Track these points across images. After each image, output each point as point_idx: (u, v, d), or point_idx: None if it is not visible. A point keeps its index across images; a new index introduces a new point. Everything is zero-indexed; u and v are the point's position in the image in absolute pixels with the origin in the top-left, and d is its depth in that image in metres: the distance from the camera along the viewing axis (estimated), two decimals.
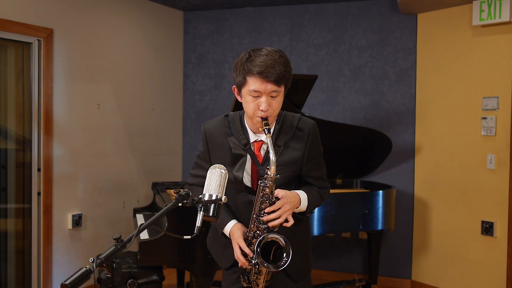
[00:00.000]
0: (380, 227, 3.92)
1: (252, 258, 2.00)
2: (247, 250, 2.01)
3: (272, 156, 1.91)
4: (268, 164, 1.94)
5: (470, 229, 4.21)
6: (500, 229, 4.01)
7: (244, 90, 1.99)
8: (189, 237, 1.68)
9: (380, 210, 3.90)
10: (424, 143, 4.55)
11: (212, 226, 2.27)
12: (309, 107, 4.81)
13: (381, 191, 3.93)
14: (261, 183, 1.97)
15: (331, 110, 4.85)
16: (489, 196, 4.07)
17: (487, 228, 4.07)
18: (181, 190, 1.72)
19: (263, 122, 1.95)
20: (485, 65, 4.09)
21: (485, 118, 4.06)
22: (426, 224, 4.54)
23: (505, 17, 3.83)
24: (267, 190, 1.96)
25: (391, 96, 4.68)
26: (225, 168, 1.81)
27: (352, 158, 4.40)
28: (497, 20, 3.87)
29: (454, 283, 4.34)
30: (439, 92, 4.42)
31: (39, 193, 3.96)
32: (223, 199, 1.75)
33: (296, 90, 3.69)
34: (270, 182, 1.95)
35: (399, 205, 4.56)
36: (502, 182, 3.98)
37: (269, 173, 1.93)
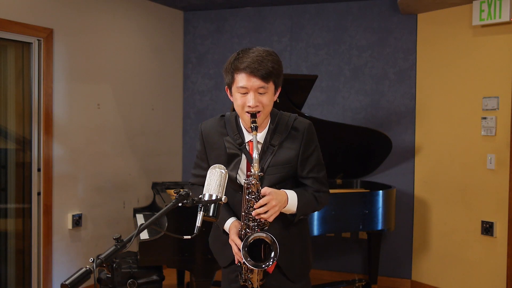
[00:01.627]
0: (380, 227, 3.92)
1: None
2: (239, 245, 2.02)
3: (255, 153, 1.92)
4: (261, 163, 1.95)
5: (470, 229, 4.21)
6: (500, 229, 4.01)
7: (233, 88, 2.00)
8: (189, 237, 1.68)
9: (380, 210, 3.90)
10: (424, 143, 4.55)
11: (215, 224, 2.28)
12: (309, 107, 4.81)
13: (381, 191, 3.93)
14: (245, 180, 1.97)
15: (331, 110, 4.85)
16: (489, 196, 4.07)
17: (487, 228, 4.07)
18: (181, 190, 1.72)
19: (251, 119, 1.95)
20: (485, 65, 4.09)
21: (485, 118, 4.06)
22: (426, 224, 4.54)
23: (505, 17, 3.83)
24: (253, 187, 1.96)
25: (391, 96, 4.68)
26: (225, 168, 1.82)
27: (352, 158, 4.40)
28: (497, 20, 3.87)
29: (454, 283, 4.34)
30: (439, 92, 4.42)
31: (39, 193, 3.96)
32: (223, 199, 1.75)
33: (296, 90, 3.71)
34: (254, 180, 1.95)
35: (399, 205, 4.56)
36: (502, 182, 3.98)
37: (252, 170, 1.94)
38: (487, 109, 4.06)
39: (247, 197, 1.99)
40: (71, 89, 4.17)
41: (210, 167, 1.83)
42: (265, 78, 1.94)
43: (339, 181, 4.50)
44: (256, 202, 1.96)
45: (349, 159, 4.39)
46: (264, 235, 1.94)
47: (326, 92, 4.86)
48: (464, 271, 4.26)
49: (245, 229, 2.01)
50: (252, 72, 1.93)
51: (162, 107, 5.12)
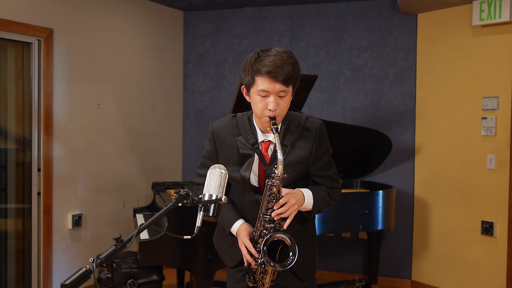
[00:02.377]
0: (380, 227, 3.92)
1: (258, 257, 2.01)
2: (253, 250, 2.02)
3: (279, 155, 1.92)
4: (276, 163, 1.96)
5: (470, 229, 4.21)
6: (500, 229, 4.01)
7: (253, 90, 2.00)
8: (189, 237, 1.68)
9: (380, 210, 3.90)
10: (424, 143, 4.55)
11: (219, 225, 2.28)
12: (309, 107, 4.81)
13: (381, 191, 3.93)
14: (268, 182, 1.98)
15: (331, 110, 4.85)
16: (489, 196, 4.07)
17: (487, 228, 4.07)
18: (181, 190, 1.72)
19: (271, 121, 1.96)
20: (485, 65, 4.09)
21: (485, 118, 4.06)
22: (426, 224, 4.54)
23: (505, 17, 3.83)
24: (274, 189, 1.97)
25: (391, 96, 4.68)
26: (225, 168, 1.82)
27: (352, 158, 4.40)
28: (497, 20, 3.87)
29: (454, 283, 4.34)
30: (439, 92, 4.42)
31: (39, 193, 3.96)
32: (223, 199, 1.75)
33: (296, 90, 3.70)
34: (277, 181, 1.96)
35: (399, 205, 4.56)
36: (502, 182, 3.98)
37: (276, 172, 1.94)
38: (487, 109, 4.06)
39: (267, 198, 1.99)
40: (71, 89, 4.17)
41: (210, 167, 1.82)
42: (286, 82, 1.96)
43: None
44: (276, 203, 1.98)
45: (349, 159, 4.39)
46: (283, 235, 1.95)
47: (326, 92, 4.86)
48: (464, 271, 4.26)
49: (261, 231, 2.02)
50: (275, 76, 1.93)
51: (162, 107, 5.12)
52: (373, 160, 4.43)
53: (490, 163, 4.05)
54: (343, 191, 4.04)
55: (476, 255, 4.17)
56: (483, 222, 4.11)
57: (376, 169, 4.55)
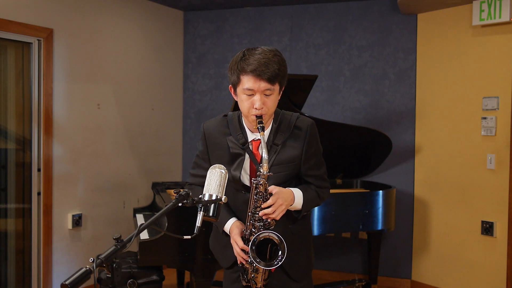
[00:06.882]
0: (380, 227, 3.92)
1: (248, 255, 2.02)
2: (241, 245, 2.02)
3: (264, 154, 1.93)
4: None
5: (470, 229, 4.21)
6: (500, 229, 4.01)
7: (239, 89, 2.01)
8: (189, 237, 1.68)
9: (380, 210, 3.90)
10: (424, 143, 4.55)
11: (214, 226, 2.28)
12: (309, 107, 4.81)
13: (381, 191, 3.93)
14: (254, 180, 1.98)
15: (331, 110, 4.85)
16: (489, 196, 4.07)
17: (487, 228, 4.07)
18: (181, 190, 1.72)
19: (257, 120, 1.96)
20: (485, 65, 4.09)
21: (485, 118, 4.07)
22: (426, 224, 4.54)
23: (505, 17, 3.83)
24: (261, 187, 1.97)
25: (391, 96, 4.68)
26: (225, 168, 1.82)
27: (352, 158, 4.40)
28: (497, 20, 3.87)
29: (454, 283, 4.34)
30: (439, 92, 4.42)
31: (39, 193, 3.96)
32: (223, 199, 1.76)
33: (296, 90, 3.71)
34: (263, 180, 1.96)
35: (399, 205, 4.56)
36: (502, 182, 3.98)
37: (261, 170, 1.95)
38: (487, 109, 4.06)
39: (254, 197, 1.99)
40: (71, 89, 4.17)
41: (210, 167, 1.83)
42: (271, 80, 1.95)
43: (339, 181, 4.50)
44: (264, 202, 1.97)
45: (349, 159, 4.39)
46: (271, 234, 1.95)
47: (326, 92, 4.86)
48: (464, 271, 4.26)
49: (250, 230, 2.01)
50: (259, 75, 1.93)
51: (162, 107, 5.12)
52: (373, 160, 4.44)
53: (490, 163, 4.05)
54: (343, 191, 4.07)
55: (476, 255, 4.17)
56: (483, 222, 4.11)
57: (376, 169, 4.55)
